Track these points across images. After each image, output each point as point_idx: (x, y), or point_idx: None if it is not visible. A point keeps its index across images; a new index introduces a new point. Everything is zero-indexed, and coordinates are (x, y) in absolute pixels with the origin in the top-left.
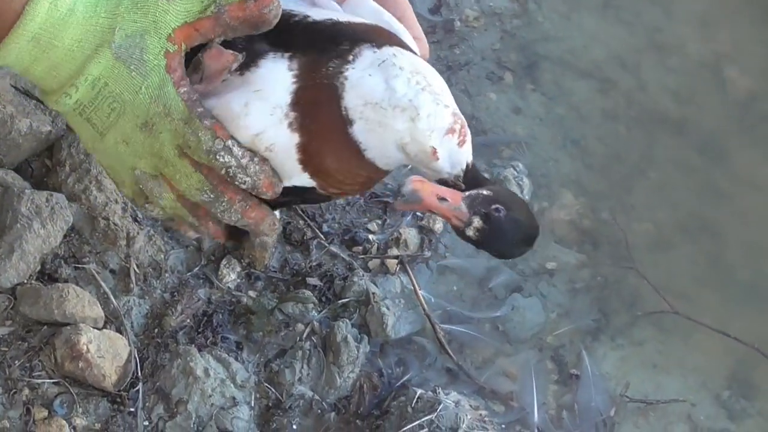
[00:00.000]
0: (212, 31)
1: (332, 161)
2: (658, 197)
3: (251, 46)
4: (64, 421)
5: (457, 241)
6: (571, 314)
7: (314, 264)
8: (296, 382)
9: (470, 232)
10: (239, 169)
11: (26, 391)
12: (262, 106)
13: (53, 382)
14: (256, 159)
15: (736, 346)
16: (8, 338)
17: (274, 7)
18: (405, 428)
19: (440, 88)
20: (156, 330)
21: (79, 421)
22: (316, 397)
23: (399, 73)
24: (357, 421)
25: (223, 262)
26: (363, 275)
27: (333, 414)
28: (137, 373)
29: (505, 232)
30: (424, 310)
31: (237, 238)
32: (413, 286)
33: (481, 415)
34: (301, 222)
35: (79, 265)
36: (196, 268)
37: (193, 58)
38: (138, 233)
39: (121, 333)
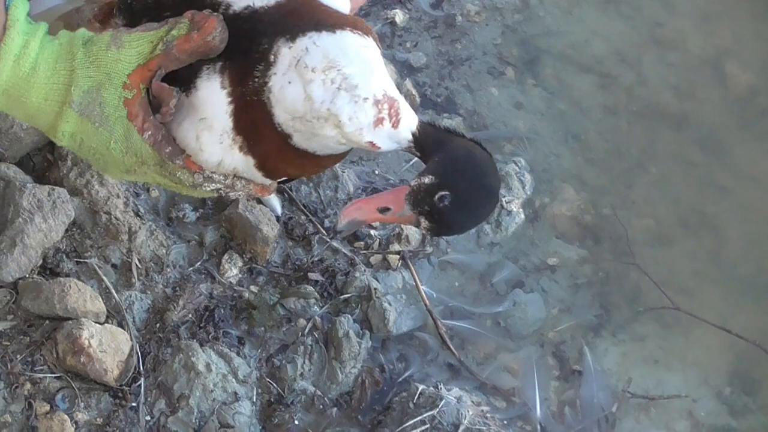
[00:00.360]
0: (165, 67)
1: (292, 169)
2: (659, 192)
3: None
4: (66, 416)
5: (458, 236)
6: (572, 310)
7: (316, 259)
8: (298, 378)
9: (424, 231)
10: (228, 188)
11: (28, 385)
12: (211, 136)
13: (55, 377)
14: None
15: (737, 342)
16: (10, 333)
17: (218, 33)
18: (407, 424)
19: (358, 74)
20: (158, 325)
21: (81, 416)
22: (318, 392)
23: (313, 77)
24: (359, 416)
25: (225, 257)
26: (365, 270)
27: (335, 409)
28: (139, 368)
29: (455, 220)
30: (425, 305)
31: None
32: (415, 281)
33: (482, 410)
34: (303, 217)
35: (81, 260)
36: (198, 263)
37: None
38: (140, 228)
39: (122, 328)
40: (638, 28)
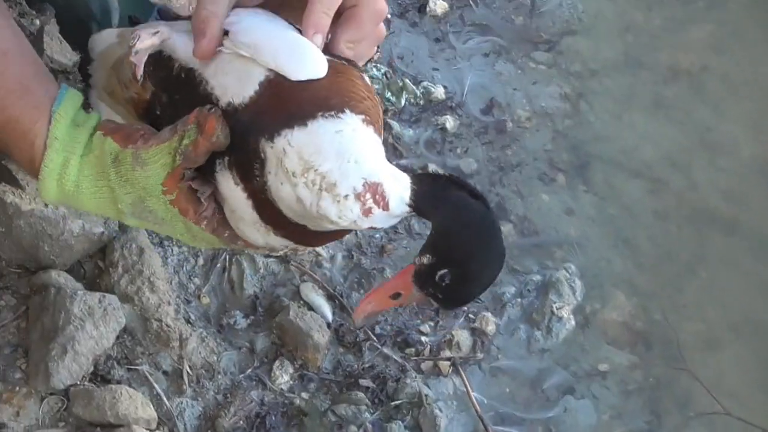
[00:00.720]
0: (190, 168)
1: (326, 242)
2: (709, 297)
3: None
4: None
5: (509, 342)
6: (623, 416)
7: (367, 366)
8: None
9: (435, 308)
10: (292, 251)
11: None
12: (246, 226)
13: None
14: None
15: None
16: None
17: (220, 132)
18: None
19: (336, 170)
20: (209, 431)
21: None
22: None
23: (296, 180)
24: None
25: (276, 363)
26: (415, 377)
27: None
28: None
29: (460, 295)
30: (476, 411)
31: None
32: (466, 387)
33: None
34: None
35: (132, 367)
36: (249, 370)
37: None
38: (191, 335)
39: None
40: (688, 132)
